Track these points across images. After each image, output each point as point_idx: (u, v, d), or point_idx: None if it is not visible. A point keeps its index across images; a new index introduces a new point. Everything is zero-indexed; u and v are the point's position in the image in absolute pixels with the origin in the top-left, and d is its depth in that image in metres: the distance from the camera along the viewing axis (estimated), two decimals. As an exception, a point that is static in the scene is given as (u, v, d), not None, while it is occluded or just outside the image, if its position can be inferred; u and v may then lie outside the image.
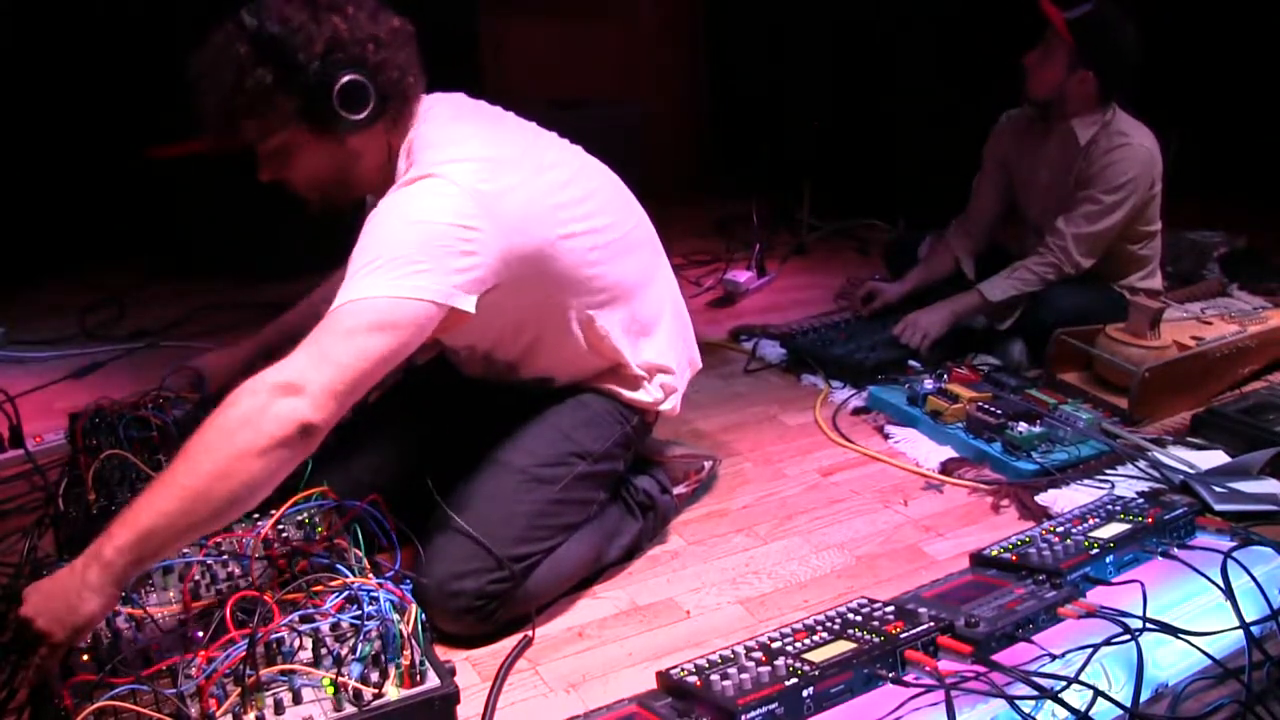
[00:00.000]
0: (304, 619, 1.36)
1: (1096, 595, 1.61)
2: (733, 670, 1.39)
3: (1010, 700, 1.35)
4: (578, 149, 1.84)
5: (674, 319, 1.97)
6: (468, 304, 1.51)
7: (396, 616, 1.35)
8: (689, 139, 4.78)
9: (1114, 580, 1.66)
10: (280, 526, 1.61)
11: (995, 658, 1.44)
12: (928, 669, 1.41)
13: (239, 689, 1.23)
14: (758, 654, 1.45)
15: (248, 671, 1.24)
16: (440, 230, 1.49)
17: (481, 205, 1.53)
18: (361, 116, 1.56)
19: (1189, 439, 2.30)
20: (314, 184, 1.65)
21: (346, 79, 1.53)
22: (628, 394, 1.88)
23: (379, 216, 1.52)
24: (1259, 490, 2.01)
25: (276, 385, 1.34)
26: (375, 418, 1.95)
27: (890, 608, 1.57)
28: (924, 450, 2.35)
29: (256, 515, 1.60)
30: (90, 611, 1.24)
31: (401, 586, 1.43)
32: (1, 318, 3.02)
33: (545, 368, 1.86)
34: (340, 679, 1.25)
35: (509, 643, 1.67)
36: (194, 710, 1.22)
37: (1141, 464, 2.19)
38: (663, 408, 1.94)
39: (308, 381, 1.35)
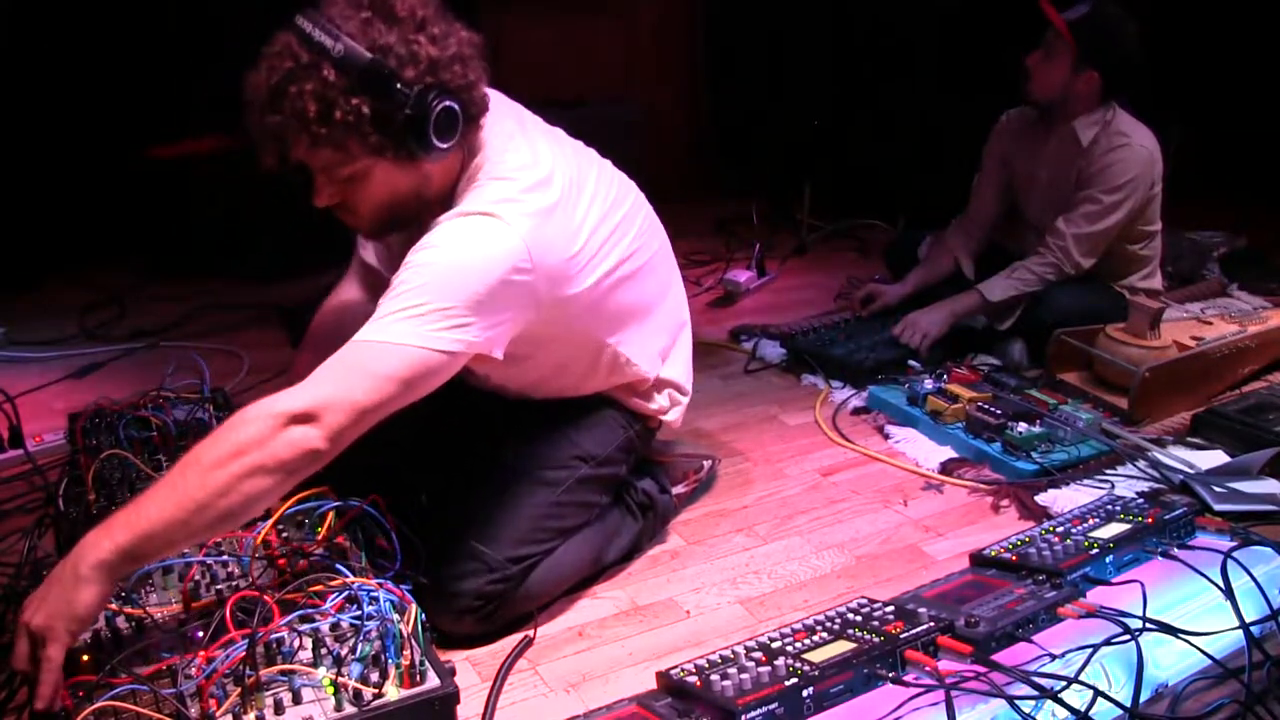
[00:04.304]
0: (304, 619, 1.36)
1: (1096, 595, 1.61)
2: (733, 670, 1.39)
3: (1010, 700, 1.35)
4: (607, 163, 1.82)
5: (685, 334, 1.99)
6: (499, 351, 1.52)
7: (396, 616, 1.35)
8: (689, 139, 4.77)
9: (1114, 580, 1.66)
10: (280, 526, 1.61)
11: (995, 658, 1.44)
12: (928, 669, 1.41)
13: (239, 689, 1.23)
14: (758, 654, 1.45)
15: (248, 671, 1.24)
16: (493, 283, 1.46)
17: (536, 252, 1.51)
18: (451, 144, 1.50)
19: (1189, 439, 2.30)
20: (383, 209, 1.56)
21: (441, 107, 1.45)
22: (635, 401, 1.89)
23: (432, 252, 1.47)
24: (1259, 490, 2.01)
25: (293, 412, 1.33)
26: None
27: (890, 608, 1.57)
28: (924, 450, 2.35)
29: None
30: (88, 603, 1.24)
31: (401, 586, 1.43)
32: (1, 318, 3.01)
33: (557, 390, 1.85)
34: (340, 679, 1.25)
35: (509, 643, 1.67)
36: (194, 710, 1.22)
37: (1141, 464, 2.19)
38: (667, 417, 1.95)
39: (325, 413, 1.34)
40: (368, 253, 1.88)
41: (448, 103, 1.46)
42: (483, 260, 1.47)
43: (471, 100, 1.52)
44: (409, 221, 1.59)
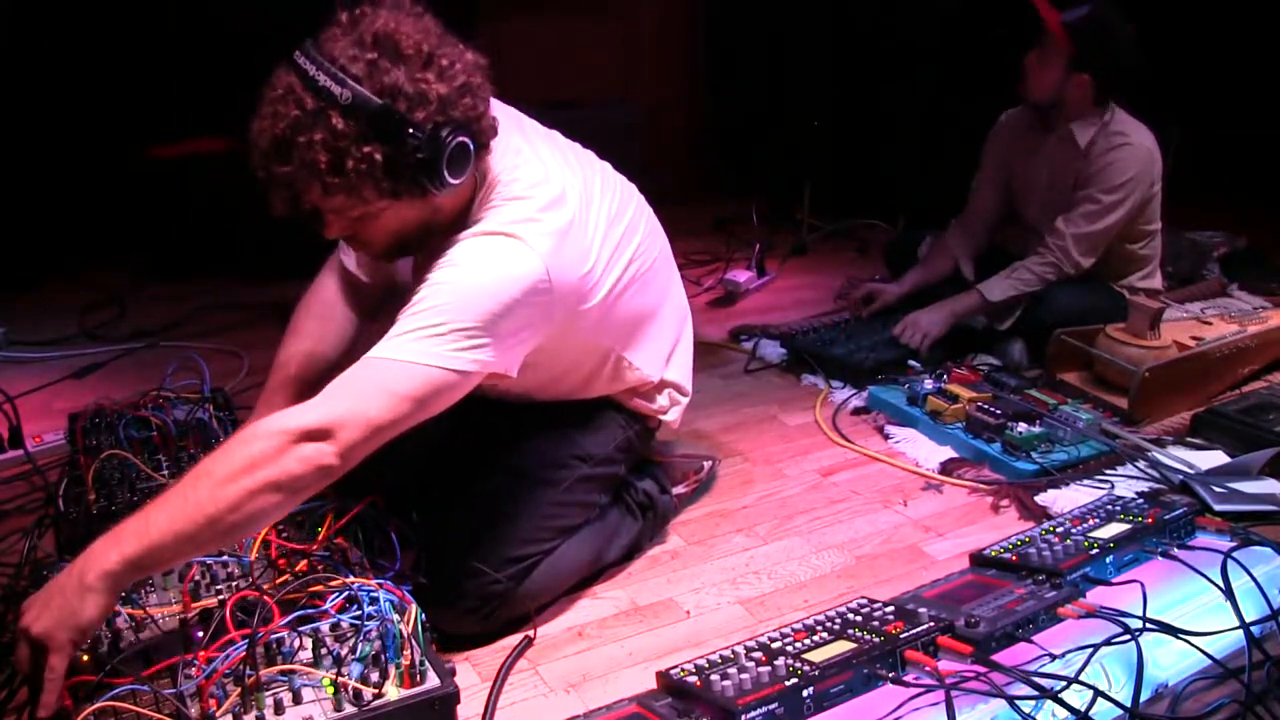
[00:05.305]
0: (304, 619, 1.36)
1: (1096, 595, 1.61)
2: (733, 670, 1.39)
3: (1010, 700, 1.35)
4: (607, 166, 1.81)
5: (686, 335, 1.99)
6: (514, 370, 1.52)
7: (396, 616, 1.35)
8: (689, 139, 4.78)
9: (1114, 580, 1.66)
10: (280, 526, 1.61)
11: (995, 658, 1.44)
12: (928, 669, 1.41)
13: (239, 689, 1.23)
14: (758, 654, 1.45)
15: (248, 671, 1.24)
16: (512, 304, 1.45)
17: (555, 273, 1.50)
18: (463, 178, 1.47)
19: (1189, 439, 2.30)
20: (393, 240, 1.55)
21: (454, 144, 1.42)
22: (636, 402, 1.89)
23: (453, 271, 1.46)
24: (1259, 490, 2.01)
25: (306, 429, 1.32)
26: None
27: (890, 608, 1.57)
28: (924, 450, 2.35)
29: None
30: (92, 614, 1.24)
31: (401, 587, 1.43)
32: (1, 318, 3.01)
33: (560, 394, 1.84)
34: (340, 679, 1.25)
35: (509, 643, 1.67)
36: (194, 710, 1.22)
37: (1141, 464, 2.19)
38: (666, 417, 1.95)
39: (339, 430, 1.33)
40: (349, 259, 1.87)
41: (460, 138, 1.43)
42: (503, 281, 1.46)
43: (481, 130, 1.49)
44: (419, 246, 1.59)
